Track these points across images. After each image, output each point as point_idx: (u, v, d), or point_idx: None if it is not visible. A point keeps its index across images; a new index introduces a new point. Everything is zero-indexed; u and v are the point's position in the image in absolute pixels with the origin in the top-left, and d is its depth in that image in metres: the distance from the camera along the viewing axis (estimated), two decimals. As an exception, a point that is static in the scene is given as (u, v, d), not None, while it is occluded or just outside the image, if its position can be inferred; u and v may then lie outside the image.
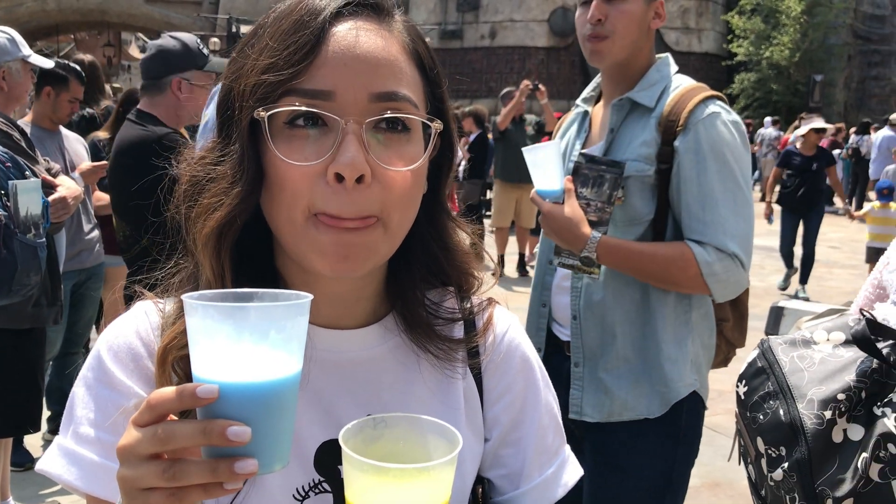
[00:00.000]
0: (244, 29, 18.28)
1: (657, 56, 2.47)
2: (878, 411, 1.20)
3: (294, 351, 0.75)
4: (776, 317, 3.61)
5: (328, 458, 0.98)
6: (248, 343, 0.73)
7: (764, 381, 1.38)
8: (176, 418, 0.75)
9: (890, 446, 1.15)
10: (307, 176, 0.88)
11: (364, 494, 0.80)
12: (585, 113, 2.59)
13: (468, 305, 1.11)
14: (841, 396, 1.22)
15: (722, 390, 6.21)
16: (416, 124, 0.94)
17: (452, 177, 1.07)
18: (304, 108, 0.88)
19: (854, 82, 31.65)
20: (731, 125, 2.26)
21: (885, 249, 1.66)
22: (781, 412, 1.30)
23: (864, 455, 1.16)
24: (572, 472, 1.13)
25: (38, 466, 0.95)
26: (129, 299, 1.04)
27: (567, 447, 1.15)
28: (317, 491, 0.97)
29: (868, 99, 30.83)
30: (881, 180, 10.84)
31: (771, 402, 1.34)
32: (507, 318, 1.15)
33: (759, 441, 1.35)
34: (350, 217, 0.88)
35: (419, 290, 1.06)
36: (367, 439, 0.86)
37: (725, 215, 2.18)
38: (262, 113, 0.89)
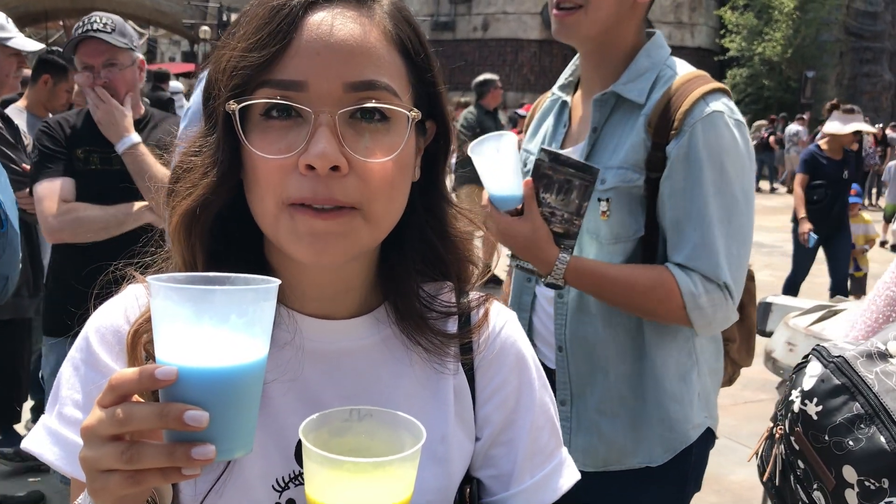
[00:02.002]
0: (235, 17, 18.21)
1: (648, 33, 2.07)
2: None
3: (257, 335, 0.74)
4: (764, 312, 3.62)
5: None
6: (208, 327, 0.72)
7: (847, 401, 1.26)
8: (141, 400, 0.74)
9: None
10: (281, 168, 0.87)
11: (322, 489, 0.78)
12: (564, 103, 2.16)
13: (465, 300, 1.08)
14: None
15: (709, 385, 6.23)
16: (397, 113, 0.90)
17: (447, 163, 1.05)
18: (274, 101, 0.87)
19: (846, 79, 31.73)
20: (735, 128, 1.88)
21: None
22: (884, 439, 1.19)
23: None
24: (568, 476, 1.09)
25: (23, 444, 0.96)
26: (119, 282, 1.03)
27: (564, 450, 1.11)
28: (296, 482, 0.96)
29: (859, 96, 30.90)
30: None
31: (863, 426, 1.23)
32: (504, 315, 1.12)
33: (848, 470, 1.24)
34: (323, 201, 0.86)
35: (414, 281, 1.04)
36: (333, 431, 0.84)
37: (718, 237, 1.82)
38: (233, 105, 0.87)
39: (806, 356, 1.42)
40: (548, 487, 1.07)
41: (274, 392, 0.97)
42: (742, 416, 5.56)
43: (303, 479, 0.94)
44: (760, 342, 3.33)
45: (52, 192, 2.90)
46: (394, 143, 0.90)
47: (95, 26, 2.97)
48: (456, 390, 1.05)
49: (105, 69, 2.96)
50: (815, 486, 1.31)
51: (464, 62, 29.13)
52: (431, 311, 1.05)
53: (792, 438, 1.35)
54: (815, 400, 1.30)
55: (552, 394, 1.13)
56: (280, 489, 0.96)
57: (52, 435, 0.94)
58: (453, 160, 10.62)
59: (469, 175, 8.50)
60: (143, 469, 0.71)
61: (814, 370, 1.34)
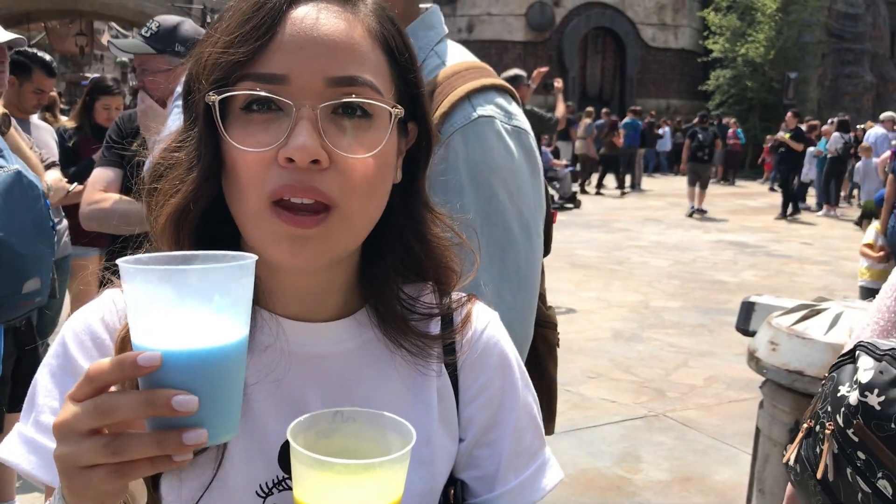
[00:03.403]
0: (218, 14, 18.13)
1: (422, 6, 1.61)
2: None
3: (241, 314, 0.73)
4: (747, 311, 3.63)
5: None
6: (190, 308, 0.70)
7: None
8: (115, 390, 0.72)
9: None
10: (261, 162, 0.86)
11: (312, 492, 0.77)
12: None
13: (447, 301, 1.08)
14: None
15: (693, 385, 6.26)
16: (379, 110, 0.90)
17: (428, 166, 1.04)
18: (256, 93, 0.86)
19: (828, 80, 31.92)
20: (510, 137, 1.47)
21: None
22: None
23: None
24: (552, 475, 1.09)
25: None
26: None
27: (547, 450, 1.11)
28: (280, 488, 0.95)
29: (841, 97, 31.12)
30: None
31: None
32: (487, 315, 1.11)
33: None
34: (302, 193, 0.85)
35: (394, 283, 1.03)
36: (321, 433, 0.84)
37: (486, 282, 1.37)
38: (213, 97, 0.86)
39: (845, 354, 1.47)
40: (532, 487, 1.07)
41: (256, 396, 0.96)
42: (726, 415, 5.59)
43: (287, 485, 0.95)
44: (744, 342, 3.35)
45: (96, 180, 3.01)
46: (375, 140, 0.89)
47: (142, 30, 3.16)
48: (439, 391, 1.04)
49: (143, 73, 3.12)
50: (879, 475, 1.36)
51: (449, 64, 29.07)
52: (413, 313, 1.04)
53: (850, 431, 1.40)
54: (875, 391, 1.37)
55: (535, 394, 1.13)
56: (264, 495, 0.95)
57: (28, 443, 0.92)
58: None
59: None
60: (131, 460, 0.69)
61: (867, 364, 1.40)
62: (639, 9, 30.54)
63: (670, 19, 31.11)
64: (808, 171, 18.67)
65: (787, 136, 17.08)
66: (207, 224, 0.93)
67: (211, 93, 0.87)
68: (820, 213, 17.78)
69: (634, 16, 30.58)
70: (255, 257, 0.75)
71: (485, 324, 1.10)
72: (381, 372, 1.02)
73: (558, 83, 9.12)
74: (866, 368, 1.40)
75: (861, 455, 1.40)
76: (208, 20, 20.51)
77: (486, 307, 1.12)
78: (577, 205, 17.32)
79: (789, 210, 16.76)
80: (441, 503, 1.04)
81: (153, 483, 0.93)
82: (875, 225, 7.05)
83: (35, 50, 4.76)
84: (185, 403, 0.68)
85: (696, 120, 21.22)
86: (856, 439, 1.39)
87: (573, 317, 8.21)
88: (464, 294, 1.10)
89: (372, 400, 0.99)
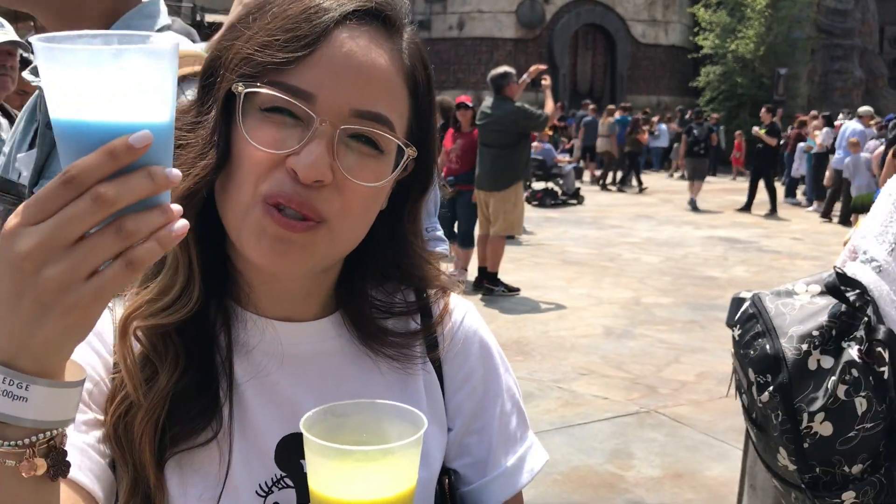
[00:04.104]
0: (209, 18, 18.04)
1: None
2: (845, 345, 1.47)
3: (172, 89, 0.69)
4: (737, 307, 3.65)
5: (289, 453, 0.97)
6: (164, 79, 0.65)
7: (754, 324, 1.67)
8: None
9: (853, 371, 1.41)
10: (267, 161, 0.86)
11: (328, 482, 0.77)
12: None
13: (423, 296, 1.10)
14: (815, 333, 1.49)
15: (685, 381, 6.27)
16: (392, 146, 0.92)
17: (422, 202, 1.05)
18: (282, 98, 0.86)
19: (817, 76, 32.02)
20: None
21: None
22: (768, 347, 1.59)
23: (833, 378, 1.43)
24: (539, 458, 1.12)
25: None
26: None
27: (531, 432, 1.14)
28: (280, 486, 0.96)
29: (831, 92, 31.22)
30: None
31: (760, 339, 1.63)
32: (464, 305, 1.14)
33: (751, 372, 1.66)
34: (297, 207, 0.86)
35: (366, 293, 1.05)
36: (329, 428, 0.84)
37: None
38: (240, 88, 0.87)
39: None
40: (523, 469, 1.09)
41: (247, 396, 0.97)
42: (717, 411, 5.60)
43: (286, 483, 0.97)
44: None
45: None
46: (383, 172, 0.91)
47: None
48: (426, 385, 1.06)
49: None
50: (742, 391, 1.76)
51: (439, 60, 29.09)
52: (389, 314, 1.06)
53: (732, 360, 1.79)
54: (738, 326, 1.74)
55: (515, 378, 1.16)
56: (264, 494, 0.96)
57: None
58: None
59: None
60: (138, 248, 0.64)
61: (743, 307, 1.77)
62: (629, 5, 30.58)
63: (660, 16, 31.15)
64: (799, 167, 18.72)
65: (763, 131, 17.11)
66: (203, 212, 0.93)
67: (239, 84, 0.87)
68: (810, 208, 17.83)
69: (624, 12, 30.62)
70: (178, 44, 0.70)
71: (462, 314, 1.12)
72: (366, 366, 1.03)
73: (546, 80, 9.14)
74: (742, 308, 1.76)
75: (737, 377, 1.79)
76: (198, 18, 20.46)
77: (460, 297, 1.14)
78: (580, 201, 17.53)
79: (769, 208, 16.74)
80: (436, 493, 1.05)
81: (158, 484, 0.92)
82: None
83: (21, 51, 4.73)
84: (176, 174, 0.66)
85: (689, 114, 21.35)
86: (734, 365, 1.79)
87: (564, 313, 8.22)
88: (438, 287, 1.11)
89: (360, 395, 1.00)
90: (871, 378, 1.41)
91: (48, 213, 0.63)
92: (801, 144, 18.67)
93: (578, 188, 18.03)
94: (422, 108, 0.97)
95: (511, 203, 8.82)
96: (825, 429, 1.43)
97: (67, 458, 0.72)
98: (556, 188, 17.16)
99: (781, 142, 17.58)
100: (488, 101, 8.85)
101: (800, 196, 19.04)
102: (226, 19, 2.12)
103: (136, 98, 0.65)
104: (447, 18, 29.56)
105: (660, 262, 11.18)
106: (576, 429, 5.25)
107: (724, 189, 16.89)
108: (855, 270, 1.62)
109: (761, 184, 16.69)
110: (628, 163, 21.28)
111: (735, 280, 9.95)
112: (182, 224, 0.67)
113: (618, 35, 30.42)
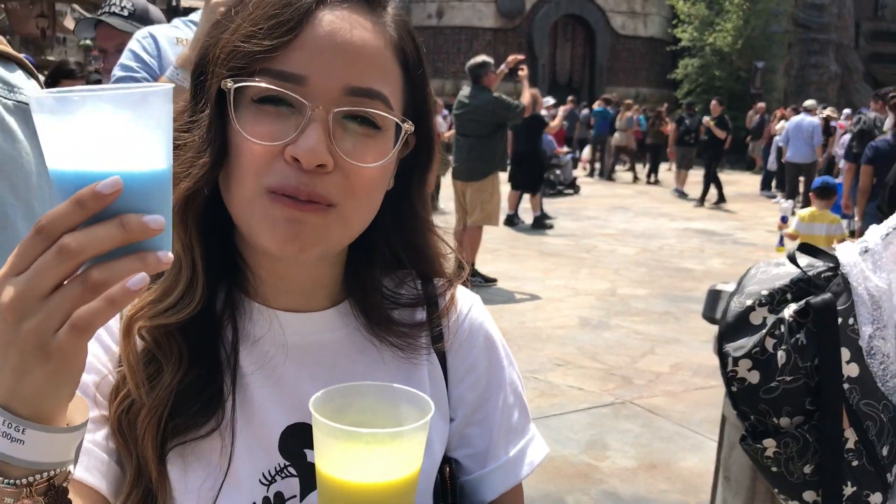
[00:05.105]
0: (185, 2, 17.85)
1: None
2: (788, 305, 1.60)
3: (167, 139, 0.69)
4: (714, 299, 3.65)
5: (293, 442, 0.99)
6: (144, 131, 0.66)
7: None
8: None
9: (782, 327, 1.51)
10: (266, 154, 0.87)
11: (337, 464, 0.78)
12: None
13: (430, 287, 1.11)
14: (765, 292, 1.60)
15: (660, 372, 6.30)
16: (389, 122, 0.92)
17: (427, 178, 1.06)
18: (274, 88, 0.86)
19: (794, 70, 32.24)
20: (12, 115, 1.26)
21: None
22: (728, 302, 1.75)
23: (764, 331, 1.53)
24: (539, 451, 1.13)
25: None
26: None
27: (532, 426, 1.15)
28: (283, 475, 0.98)
29: (807, 86, 31.43)
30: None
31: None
32: (470, 297, 1.15)
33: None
34: (305, 195, 0.87)
35: (375, 278, 1.06)
36: (336, 409, 0.84)
37: None
38: (229, 84, 0.87)
39: None
40: (523, 462, 1.10)
41: (253, 386, 0.98)
42: (692, 403, 5.63)
43: (289, 472, 0.98)
44: (710, 329, 3.36)
45: None
46: (383, 150, 0.91)
47: (113, 9, 3.00)
48: (430, 375, 1.07)
49: (117, 53, 2.93)
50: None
51: (418, 50, 28.99)
52: (397, 304, 1.07)
53: None
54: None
55: (519, 372, 1.16)
56: (267, 482, 0.97)
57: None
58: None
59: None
60: (82, 309, 0.64)
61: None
62: (608, -3, 30.62)
63: (640, 7, 31.22)
64: (773, 161, 18.84)
65: (713, 122, 17.23)
66: (208, 207, 0.94)
67: (228, 80, 0.87)
68: (784, 204, 17.96)
69: (604, 3, 30.66)
70: (173, 85, 0.71)
71: (468, 306, 1.13)
72: (372, 357, 1.05)
73: (523, 70, 9.15)
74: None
75: None
76: (174, 3, 20.25)
77: (466, 290, 1.15)
78: (577, 190, 17.88)
79: (716, 198, 16.82)
80: (437, 482, 1.06)
81: (159, 475, 0.93)
82: (803, 212, 7.56)
83: None
84: (156, 221, 0.65)
85: (665, 107, 21.44)
86: None
87: (541, 304, 8.23)
88: (445, 279, 1.12)
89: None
90: (796, 335, 1.50)
91: (26, 265, 0.65)
92: (777, 138, 18.78)
93: (575, 178, 18.35)
94: (415, 81, 0.97)
95: (488, 193, 8.81)
96: (753, 377, 1.52)
97: (69, 496, 0.74)
98: (553, 178, 17.30)
99: (729, 136, 17.74)
100: (465, 90, 8.82)
101: (775, 189, 19.17)
102: (201, 5, 2.07)
103: (112, 147, 0.65)
104: (426, 7, 29.44)
105: (636, 254, 11.22)
106: (551, 419, 5.26)
107: (699, 182, 16.94)
108: (842, 249, 1.69)
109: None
110: (650, 155, 21.40)
111: (710, 272, 10.00)
112: (139, 278, 0.65)
113: (597, 26, 30.45)
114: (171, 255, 0.68)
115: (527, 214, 13.16)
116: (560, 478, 4.47)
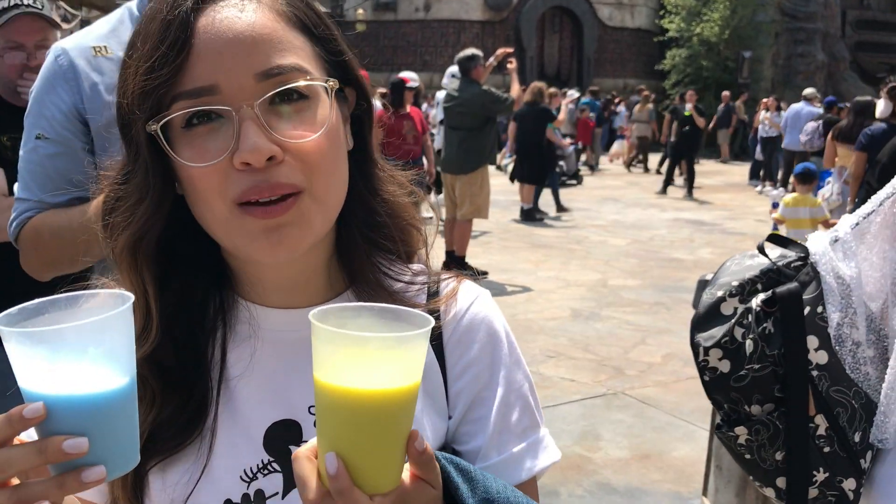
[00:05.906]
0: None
1: None
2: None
3: (119, 359, 0.75)
4: (703, 290, 3.68)
5: (278, 438, 0.98)
6: (64, 362, 0.72)
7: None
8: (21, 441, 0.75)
9: (749, 316, 1.52)
10: (218, 171, 0.87)
11: (339, 371, 0.76)
12: None
13: (435, 277, 1.10)
14: (735, 283, 1.59)
15: (651, 363, 6.32)
16: (314, 89, 0.92)
17: (376, 125, 1.06)
18: (192, 109, 0.87)
19: (781, 59, 32.28)
20: None
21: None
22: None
23: (733, 321, 1.55)
24: (544, 457, 1.08)
25: None
26: None
27: (541, 431, 1.09)
28: (266, 472, 0.97)
29: (794, 76, 31.48)
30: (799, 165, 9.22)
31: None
32: (475, 291, 1.11)
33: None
34: (268, 192, 0.87)
35: (368, 254, 1.04)
36: (334, 325, 0.82)
37: None
38: (153, 126, 0.88)
39: None
40: (518, 466, 1.05)
41: (239, 387, 0.99)
42: (683, 393, 5.65)
43: (273, 468, 0.98)
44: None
45: None
46: (320, 118, 0.91)
47: (26, 0, 2.63)
48: (425, 369, 1.03)
49: (39, 50, 2.58)
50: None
51: (406, 42, 28.91)
52: (398, 281, 1.05)
53: None
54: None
55: (528, 372, 1.11)
56: (248, 479, 0.97)
57: None
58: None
59: None
60: None
61: None
62: (596, -13, 30.58)
63: (627, -1, 31.21)
64: (760, 152, 18.90)
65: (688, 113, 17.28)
66: (175, 240, 0.96)
67: (150, 122, 0.88)
68: (774, 191, 18.03)
69: (591, -5, 30.62)
70: (131, 299, 0.76)
71: (471, 300, 1.09)
72: None
73: (511, 63, 9.12)
74: None
75: None
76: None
77: (475, 285, 1.12)
78: (580, 181, 18.05)
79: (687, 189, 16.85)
80: None
81: (134, 483, 0.97)
82: (787, 198, 7.86)
83: None
84: (75, 446, 0.71)
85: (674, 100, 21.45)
86: None
87: (532, 296, 8.24)
88: (453, 273, 1.12)
89: None
90: (763, 324, 1.52)
91: None
92: (761, 128, 18.83)
93: (578, 169, 18.46)
94: (321, 36, 0.96)
95: (477, 186, 8.81)
96: (724, 366, 1.55)
97: None
98: (558, 170, 17.34)
99: (711, 126, 17.80)
100: (454, 83, 8.80)
101: (761, 179, 19.23)
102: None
103: (66, 372, 0.72)
104: (413, 0, 29.36)
105: (626, 245, 11.25)
106: (544, 411, 5.24)
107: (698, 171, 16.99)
108: (812, 238, 1.72)
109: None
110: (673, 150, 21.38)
111: (701, 262, 10.04)
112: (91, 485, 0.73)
113: (585, 18, 30.41)
114: (99, 472, 0.73)
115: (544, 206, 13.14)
116: (553, 470, 4.46)
